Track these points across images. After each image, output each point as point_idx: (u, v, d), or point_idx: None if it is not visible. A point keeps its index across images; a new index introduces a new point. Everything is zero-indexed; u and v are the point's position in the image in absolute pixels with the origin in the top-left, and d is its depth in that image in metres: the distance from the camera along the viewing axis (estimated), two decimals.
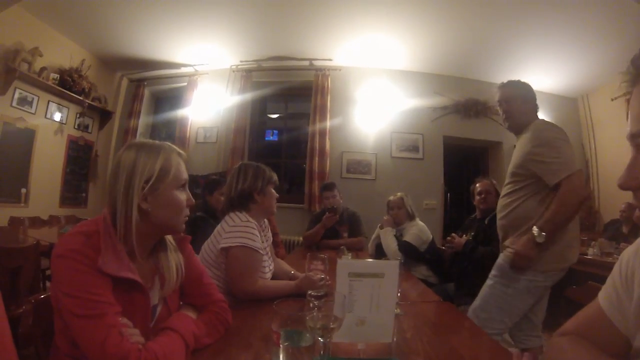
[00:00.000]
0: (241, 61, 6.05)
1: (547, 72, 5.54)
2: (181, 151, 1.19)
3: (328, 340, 0.92)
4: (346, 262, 1.15)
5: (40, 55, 4.95)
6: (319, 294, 1.07)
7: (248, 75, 6.08)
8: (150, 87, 6.73)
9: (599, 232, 5.31)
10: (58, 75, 5.32)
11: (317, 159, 5.62)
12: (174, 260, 1.18)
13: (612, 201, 5.40)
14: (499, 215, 2.32)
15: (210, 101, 6.22)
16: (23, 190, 5.09)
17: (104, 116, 6.47)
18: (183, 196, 1.15)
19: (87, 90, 5.78)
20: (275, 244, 2.89)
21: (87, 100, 5.78)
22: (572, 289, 1.97)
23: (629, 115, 0.69)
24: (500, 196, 2.34)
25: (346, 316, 0.96)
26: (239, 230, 1.74)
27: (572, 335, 0.91)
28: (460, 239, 3.05)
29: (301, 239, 4.62)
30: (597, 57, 4.94)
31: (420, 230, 3.44)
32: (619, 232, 4.76)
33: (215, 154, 6.11)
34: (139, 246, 1.07)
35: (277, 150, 6.64)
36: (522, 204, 2.13)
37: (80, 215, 5.63)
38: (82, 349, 0.87)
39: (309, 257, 1.83)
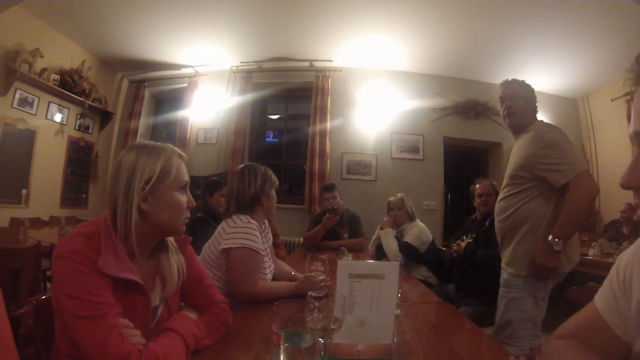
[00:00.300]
0: (241, 62, 6.06)
1: (547, 72, 5.54)
2: (182, 153, 1.19)
3: (328, 341, 0.92)
4: (346, 263, 1.16)
5: (41, 56, 4.95)
6: (319, 295, 1.07)
7: (248, 76, 6.09)
8: (151, 88, 6.74)
9: (600, 232, 5.30)
10: (59, 76, 5.32)
11: (317, 160, 5.62)
12: (175, 261, 1.18)
13: (612, 202, 5.39)
14: (497, 218, 2.31)
15: (211, 102, 6.22)
16: (24, 191, 5.09)
17: (105, 117, 6.47)
18: (183, 198, 1.15)
19: (87, 91, 5.79)
20: (275, 245, 2.90)
21: (87, 101, 5.78)
22: (572, 290, 1.96)
23: (632, 114, 0.68)
24: (499, 199, 2.33)
25: (346, 317, 0.96)
26: (240, 231, 1.75)
27: (569, 339, 0.90)
28: (461, 244, 3.03)
29: (301, 240, 4.63)
30: (597, 57, 4.94)
31: (420, 231, 3.44)
32: (619, 233, 4.76)
33: (215, 155, 6.11)
34: (140, 247, 1.07)
35: (277, 151, 6.64)
36: (522, 207, 2.12)
37: (81, 216, 5.63)
38: (82, 350, 0.87)
39: (309, 258, 1.83)
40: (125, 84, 6.82)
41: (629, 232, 4.69)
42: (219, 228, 1.87)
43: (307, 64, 5.89)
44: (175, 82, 6.53)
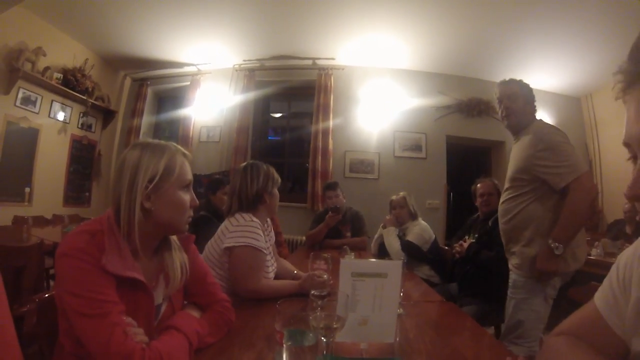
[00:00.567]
0: (244, 60, 6.05)
1: (550, 71, 5.53)
2: (186, 152, 1.19)
3: (331, 339, 0.92)
4: (349, 262, 1.15)
5: (44, 55, 4.97)
6: (322, 294, 1.07)
7: (251, 75, 6.08)
8: (154, 87, 6.74)
9: (603, 232, 5.28)
10: (61, 75, 5.33)
11: (320, 158, 5.61)
12: (178, 259, 1.18)
13: (615, 201, 5.37)
14: (501, 220, 2.32)
15: (213, 100, 6.22)
16: (27, 190, 5.11)
17: (107, 115, 6.49)
18: (187, 197, 1.15)
19: (90, 89, 5.80)
20: (278, 243, 2.90)
21: (90, 100, 5.80)
22: (574, 289, 1.96)
23: (626, 122, 0.66)
24: (501, 201, 2.33)
25: (349, 316, 0.97)
26: (242, 229, 1.75)
27: (568, 336, 0.90)
28: (464, 244, 3.02)
29: (304, 238, 4.63)
30: (600, 56, 4.92)
31: (422, 230, 3.43)
32: (622, 233, 4.74)
33: (218, 153, 6.11)
34: (143, 245, 1.07)
35: (280, 150, 6.64)
36: (524, 209, 2.13)
37: (84, 215, 5.65)
38: (86, 348, 0.88)
39: (312, 256, 1.83)
40: (127, 82, 6.83)
41: (632, 232, 4.67)
42: (222, 226, 1.87)
43: (309, 62, 5.87)
44: (177, 81, 6.54)
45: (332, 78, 5.85)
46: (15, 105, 4.84)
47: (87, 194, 6.24)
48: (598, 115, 6.03)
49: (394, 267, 1.14)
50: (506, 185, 2.29)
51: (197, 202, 1.19)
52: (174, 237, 1.22)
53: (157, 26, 5.15)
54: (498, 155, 6.16)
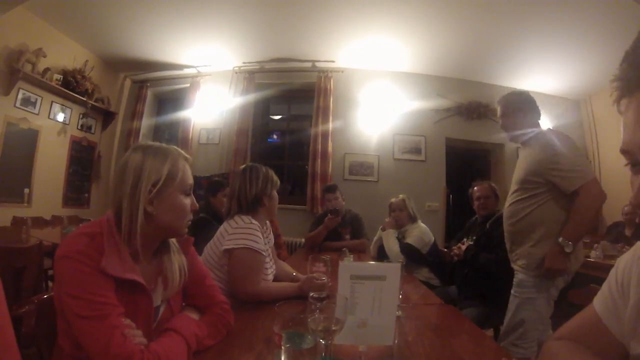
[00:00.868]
0: (244, 62, 6.06)
1: (549, 73, 5.53)
2: (187, 156, 1.19)
3: (329, 342, 0.92)
4: (348, 265, 1.16)
5: (44, 56, 4.97)
6: (321, 296, 1.07)
7: (251, 77, 6.09)
8: (153, 89, 6.74)
9: (602, 234, 5.28)
10: (61, 76, 5.34)
11: (319, 160, 5.61)
12: (177, 261, 1.18)
13: (614, 204, 5.35)
14: (507, 222, 2.34)
15: (213, 102, 6.23)
16: (26, 191, 5.10)
17: (107, 117, 6.48)
18: (187, 201, 1.16)
19: (90, 91, 5.80)
20: (277, 245, 2.89)
21: (90, 101, 5.80)
22: (574, 292, 1.97)
23: (622, 128, 0.66)
24: (508, 203, 2.35)
25: (348, 318, 0.96)
26: (242, 232, 1.75)
27: (568, 341, 0.90)
28: (462, 247, 3.02)
29: (303, 240, 4.62)
30: (599, 58, 4.92)
31: (422, 232, 3.43)
32: (621, 235, 4.74)
33: (217, 156, 6.12)
34: (143, 248, 1.08)
35: (279, 152, 6.65)
36: (535, 211, 2.17)
37: (83, 216, 5.65)
38: (85, 350, 0.88)
39: (311, 259, 1.83)
40: (127, 84, 6.83)
41: (631, 234, 4.68)
42: (221, 228, 1.87)
43: (309, 64, 5.88)
44: (177, 83, 6.54)
45: (331, 80, 5.86)
46: (15, 106, 4.84)
47: (86, 195, 6.23)
48: (597, 117, 6.03)
49: (393, 269, 1.14)
50: (514, 187, 2.32)
51: (197, 205, 1.20)
52: (173, 240, 1.22)
53: (158, 28, 5.16)
54: (497, 158, 6.16)
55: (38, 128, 5.23)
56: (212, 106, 6.22)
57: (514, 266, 2.30)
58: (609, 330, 0.82)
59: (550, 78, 5.65)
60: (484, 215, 3.07)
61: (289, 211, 5.57)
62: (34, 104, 5.11)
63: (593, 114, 6.09)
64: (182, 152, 1.18)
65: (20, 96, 4.89)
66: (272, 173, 2.02)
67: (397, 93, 5.86)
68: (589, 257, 3.73)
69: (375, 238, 3.71)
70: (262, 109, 6.56)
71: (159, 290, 1.14)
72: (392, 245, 3.36)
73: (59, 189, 5.70)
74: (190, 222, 1.20)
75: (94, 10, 4.78)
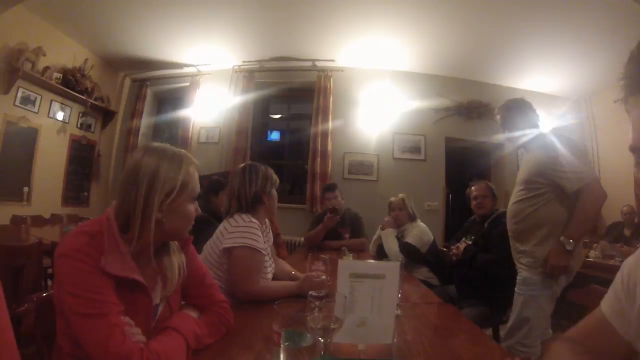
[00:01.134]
0: (244, 61, 6.06)
1: (549, 73, 5.53)
2: (196, 161, 1.19)
3: (329, 340, 0.92)
4: (347, 263, 1.16)
5: (44, 55, 4.97)
6: (320, 295, 1.07)
7: (250, 76, 6.09)
8: (153, 87, 6.74)
9: (601, 234, 5.29)
10: (61, 75, 5.33)
11: (319, 159, 5.62)
12: (176, 260, 1.18)
13: (614, 203, 5.36)
14: (512, 220, 2.36)
15: (213, 101, 6.23)
16: (25, 189, 5.10)
17: (107, 116, 6.49)
18: (193, 207, 1.17)
19: (89, 89, 5.80)
20: (277, 244, 2.89)
21: (89, 100, 5.80)
22: (573, 291, 1.99)
23: (632, 127, 0.67)
24: (512, 201, 2.37)
25: (347, 317, 0.97)
26: (242, 230, 1.75)
27: (571, 342, 0.91)
28: (460, 247, 3.02)
29: (303, 239, 4.63)
30: (599, 58, 4.92)
31: (421, 232, 3.43)
32: (620, 235, 4.75)
33: (217, 155, 6.12)
34: (143, 248, 1.07)
35: (279, 151, 6.66)
36: (537, 210, 2.21)
37: (83, 215, 5.65)
38: (85, 348, 0.88)
39: (310, 257, 1.83)
40: (127, 82, 6.83)
41: (630, 235, 4.68)
42: (221, 227, 1.87)
43: (309, 63, 5.88)
44: (177, 81, 6.54)
45: (331, 80, 5.86)
46: (14, 104, 4.84)
47: (85, 194, 6.23)
48: (597, 118, 6.03)
49: (392, 268, 1.14)
50: (519, 187, 2.35)
51: (200, 211, 1.21)
52: None
53: (157, 27, 5.16)
54: (497, 158, 6.16)
55: (37, 127, 5.23)
56: (212, 105, 6.22)
57: (518, 264, 2.32)
58: (617, 332, 0.83)
59: (550, 78, 5.66)
60: (481, 214, 3.06)
61: (288, 210, 5.57)
62: (33, 102, 5.11)
63: (593, 114, 6.09)
64: (192, 157, 1.17)
65: (19, 95, 4.89)
66: (271, 172, 2.02)
67: (396, 92, 5.86)
68: (588, 257, 3.74)
69: (375, 237, 3.72)
70: (261, 108, 6.56)
71: (158, 288, 1.14)
72: (391, 244, 3.36)
73: (59, 187, 5.71)
74: (191, 227, 1.20)
75: (93, 9, 4.78)
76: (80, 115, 5.93)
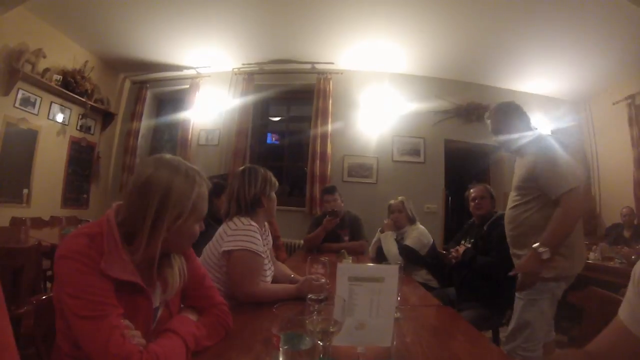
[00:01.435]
0: (243, 64, 6.07)
1: (548, 76, 5.54)
2: (207, 180, 1.20)
3: (328, 343, 0.92)
4: (346, 266, 1.15)
5: (44, 57, 4.97)
6: (319, 298, 1.07)
7: (250, 78, 6.10)
8: (153, 89, 6.75)
9: (601, 236, 5.29)
10: (61, 77, 5.34)
11: (318, 162, 5.62)
12: (177, 265, 1.18)
13: (613, 205, 5.38)
14: (509, 227, 2.35)
15: (213, 103, 6.23)
16: (25, 191, 5.10)
17: (107, 118, 6.49)
18: (199, 227, 1.18)
19: (89, 91, 5.81)
20: (276, 247, 2.89)
21: (89, 102, 5.80)
22: (573, 294, 1.97)
23: None
24: (509, 207, 2.36)
25: (346, 320, 0.97)
26: (241, 233, 1.75)
27: (580, 352, 0.92)
28: (459, 249, 3.02)
29: (302, 242, 4.62)
30: (598, 61, 4.94)
31: (421, 234, 3.43)
32: (620, 237, 4.75)
33: (217, 157, 6.12)
34: (147, 259, 1.08)
35: (278, 153, 6.65)
36: (530, 216, 2.18)
37: (82, 217, 5.65)
38: (84, 350, 0.88)
39: (309, 260, 1.83)
40: (127, 85, 6.84)
41: (630, 236, 4.69)
42: (220, 230, 1.87)
43: (309, 66, 5.89)
44: (177, 84, 6.55)
45: (331, 82, 5.87)
46: (14, 106, 4.84)
47: (85, 195, 6.23)
48: (596, 119, 6.05)
49: (391, 271, 1.14)
50: (513, 192, 2.34)
51: (204, 227, 1.21)
52: None
53: (157, 29, 5.17)
54: (496, 160, 6.15)
55: (37, 128, 5.23)
56: (212, 107, 6.23)
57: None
58: (636, 335, 0.84)
59: (549, 80, 5.67)
60: (480, 215, 3.05)
61: (287, 212, 5.57)
62: (33, 104, 5.11)
63: (592, 116, 6.10)
64: (204, 176, 1.18)
65: (19, 96, 4.89)
66: (270, 174, 2.02)
67: (396, 95, 5.87)
68: (588, 259, 3.74)
69: (374, 240, 3.72)
70: (261, 110, 6.57)
71: (158, 291, 1.14)
72: (390, 247, 3.36)
73: (58, 189, 5.70)
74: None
75: (94, 11, 4.79)
76: (80, 117, 5.93)
